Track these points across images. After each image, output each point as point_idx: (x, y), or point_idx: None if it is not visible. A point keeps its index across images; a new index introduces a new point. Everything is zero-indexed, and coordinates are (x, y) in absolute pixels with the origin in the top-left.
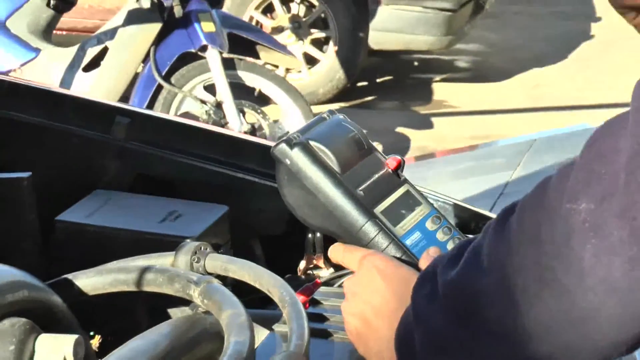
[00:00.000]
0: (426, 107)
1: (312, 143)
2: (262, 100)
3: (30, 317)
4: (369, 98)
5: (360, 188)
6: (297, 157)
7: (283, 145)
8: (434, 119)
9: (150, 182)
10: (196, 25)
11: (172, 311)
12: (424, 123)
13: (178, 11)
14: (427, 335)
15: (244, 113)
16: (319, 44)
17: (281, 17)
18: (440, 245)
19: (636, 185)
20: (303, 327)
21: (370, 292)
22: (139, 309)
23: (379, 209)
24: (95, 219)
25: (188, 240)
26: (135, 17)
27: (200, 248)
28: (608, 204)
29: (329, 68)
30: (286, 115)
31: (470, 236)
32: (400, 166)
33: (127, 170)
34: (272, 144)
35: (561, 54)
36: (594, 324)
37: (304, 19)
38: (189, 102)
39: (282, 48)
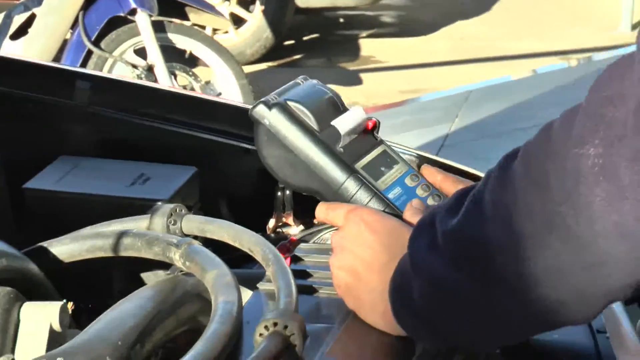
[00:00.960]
0: (354, 64)
1: (289, 103)
2: (193, 62)
3: (10, 287)
4: (297, 56)
5: (339, 146)
6: (275, 118)
7: (261, 107)
8: (362, 75)
9: (115, 147)
10: None
11: (145, 275)
12: (353, 79)
13: None
14: (427, 285)
15: (175, 76)
16: (245, 3)
17: None
18: (422, 200)
19: None
20: (290, 283)
21: (359, 246)
22: (113, 275)
23: (359, 165)
24: (65, 185)
25: (160, 203)
26: None
27: (176, 210)
28: (617, 148)
29: (256, 28)
30: (218, 77)
31: (469, 183)
32: (375, 127)
33: (92, 135)
34: (236, 103)
35: (485, 6)
36: (605, 268)
37: None
38: (120, 66)
39: (211, 9)
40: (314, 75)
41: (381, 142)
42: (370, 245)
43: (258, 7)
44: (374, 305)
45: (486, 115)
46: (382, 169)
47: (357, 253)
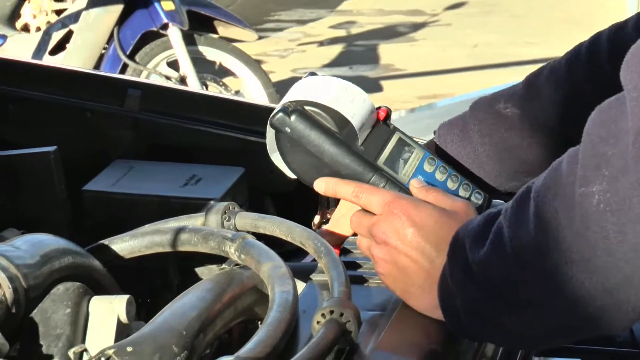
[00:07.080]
0: (374, 72)
1: (307, 108)
2: (223, 72)
3: (77, 282)
4: (320, 65)
5: (359, 143)
6: (296, 124)
7: (281, 115)
8: (382, 82)
9: (164, 150)
10: (156, 4)
11: (199, 270)
12: (374, 87)
13: None
14: (466, 303)
15: (206, 86)
16: None
17: None
18: (440, 185)
19: None
20: (342, 274)
21: (404, 242)
22: (169, 270)
23: (380, 160)
24: (121, 187)
25: (212, 202)
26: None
27: (229, 207)
28: (622, 181)
29: None
30: (246, 86)
31: (498, 203)
32: (388, 115)
33: (143, 140)
34: (272, 106)
35: (496, 14)
36: (630, 287)
37: None
38: (154, 78)
39: (239, 22)
40: None
41: (395, 129)
42: (416, 242)
43: None
44: (423, 299)
45: None
46: (401, 159)
47: (402, 249)
